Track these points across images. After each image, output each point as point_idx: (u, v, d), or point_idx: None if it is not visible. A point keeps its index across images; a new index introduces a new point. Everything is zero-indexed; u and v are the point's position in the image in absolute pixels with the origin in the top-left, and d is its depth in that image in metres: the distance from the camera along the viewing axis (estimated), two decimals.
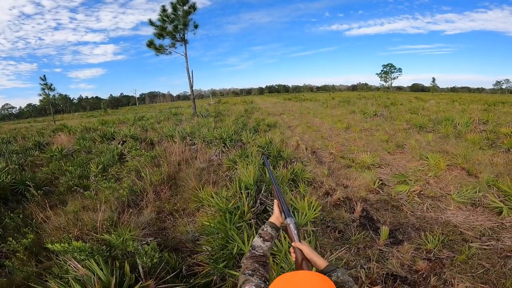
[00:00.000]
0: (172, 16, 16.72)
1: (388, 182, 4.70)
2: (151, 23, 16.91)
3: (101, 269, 2.10)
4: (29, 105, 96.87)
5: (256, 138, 7.00)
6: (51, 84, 35.08)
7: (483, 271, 2.52)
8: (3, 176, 5.76)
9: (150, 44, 17.05)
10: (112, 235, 2.96)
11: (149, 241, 3.13)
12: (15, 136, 15.39)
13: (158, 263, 2.36)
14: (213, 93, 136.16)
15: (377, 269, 2.61)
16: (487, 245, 2.87)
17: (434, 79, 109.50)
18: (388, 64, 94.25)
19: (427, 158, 5.33)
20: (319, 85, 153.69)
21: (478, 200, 3.79)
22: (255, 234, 2.75)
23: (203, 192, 4.10)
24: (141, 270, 2.26)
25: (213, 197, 3.46)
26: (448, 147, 6.60)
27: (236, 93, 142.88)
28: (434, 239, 2.90)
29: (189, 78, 17.46)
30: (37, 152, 10.09)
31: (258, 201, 3.42)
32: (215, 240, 2.58)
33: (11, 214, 4.39)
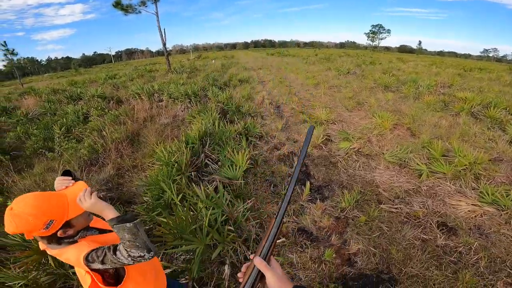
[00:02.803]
0: None
1: (335, 139, 4.94)
2: None
3: None
4: None
5: (219, 94, 7.02)
6: (13, 49, 33.32)
7: (379, 234, 2.67)
8: None
9: (117, 4, 15.53)
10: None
11: (99, 196, 3.41)
12: None
13: None
14: (196, 48, 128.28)
15: (293, 224, 2.87)
16: (395, 208, 3.03)
17: (420, 42, 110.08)
18: (378, 24, 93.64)
19: (379, 116, 5.54)
20: (307, 41, 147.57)
21: (408, 161, 3.91)
22: (194, 185, 3.03)
23: (158, 147, 4.29)
24: None
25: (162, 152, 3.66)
26: (403, 107, 6.81)
27: (221, 47, 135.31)
28: (351, 198, 3.09)
29: (161, 36, 16.50)
30: (3, 117, 9.74)
31: (203, 155, 3.67)
32: (152, 192, 2.86)
33: None
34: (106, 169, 4.62)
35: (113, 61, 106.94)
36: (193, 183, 2.92)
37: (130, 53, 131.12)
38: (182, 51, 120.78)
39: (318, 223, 2.85)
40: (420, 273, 2.25)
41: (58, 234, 1.04)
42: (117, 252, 1.02)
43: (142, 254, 1.02)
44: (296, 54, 35.24)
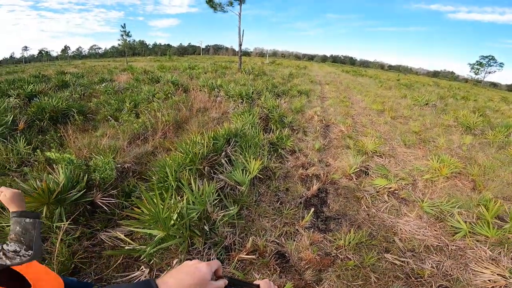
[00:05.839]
0: None
1: (373, 173, 4.38)
2: None
3: (64, 174, 2.74)
4: (112, 47, 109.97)
5: (269, 101, 7.00)
6: (129, 31, 39.65)
7: (362, 283, 2.33)
8: (59, 103, 6.98)
9: (209, 1, 17.42)
10: (99, 157, 3.61)
11: (125, 166, 3.76)
12: (90, 71, 18.16)
13: (108, 181, 2.92)
14: (275, 53, 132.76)
15: (275, 246, 2.64)
16: (401, 261, 2.59)
17: None
18: (489, 56, 79.05)
19: (437, 160, 4.69)
20: (393, 64, 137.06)
21: (449, 216, 3.28)
22: (195, 178, 3.08)
23: (192, 136, 4.53)
24: (98, 179, 2.85)
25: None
26: (479, 155, 5.59)
27: (299, 57, 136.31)
28: (353, 238, 2.72)
29: (239, 36, 17.61)
30: (98, 86, 11.77)
31: (223, 153, 3.69)
32: (159, 173, 3.01)
33: (52, 133, 5.51)
34: (146, 145, 5.10)
35: (201, 53, 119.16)
36: (195, 177, 2.94)
37: (217, 49, 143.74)
38: (261, 54, 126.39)
39: (301, 253, 2.58)
40: None
41: None
42: None
43: (18, 250, 1.02)
44: (375, 75, 32.87)
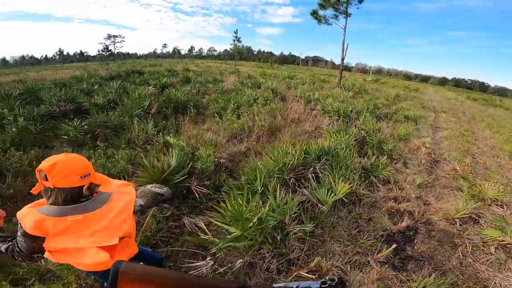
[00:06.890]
0: None
1: (485, 222, 3.56)
2: None
3: (176, 158, 3.33)
4: (225, 50, 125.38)
5: (369, 123, 6.48)
6: (240, 37, 43.69)
7: None
8: (182, 96, 8.51)
9: (314, 13, 17.61)
10: (202, 148, 4.19)
11: (220, 161, 4.23)
12: (206, 71, 21.35)
13: (205, 171, 3.37)
14: (379, 71, 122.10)
15: (338, 271, 2.53)
16: None
17: None
18: None
19: None
20: None
21: None
22: (288, 191, 3.18)
23: (283, 145, 4.71)
24: (198, 169, 3.35)
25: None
26: None
27: (409, 77, 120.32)
28: (432, 284, 2.35)
29: (342, 50, 17.08)
30: (211, 85, 13.73)
31: (311, 169, 3.67)
32: (248, 175, 3.26)
33: (172, 120, 6.77)
34: (241, 145, 5.60)
35: (300, 63, 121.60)
36: (281, 186, 3.04)
37: (316, 61, 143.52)
38: (363, 70, 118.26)
39: (363, 285, 2.40)
40: None
41: None
42: None
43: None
44: None
